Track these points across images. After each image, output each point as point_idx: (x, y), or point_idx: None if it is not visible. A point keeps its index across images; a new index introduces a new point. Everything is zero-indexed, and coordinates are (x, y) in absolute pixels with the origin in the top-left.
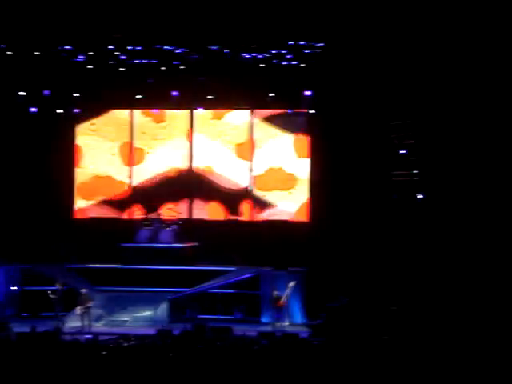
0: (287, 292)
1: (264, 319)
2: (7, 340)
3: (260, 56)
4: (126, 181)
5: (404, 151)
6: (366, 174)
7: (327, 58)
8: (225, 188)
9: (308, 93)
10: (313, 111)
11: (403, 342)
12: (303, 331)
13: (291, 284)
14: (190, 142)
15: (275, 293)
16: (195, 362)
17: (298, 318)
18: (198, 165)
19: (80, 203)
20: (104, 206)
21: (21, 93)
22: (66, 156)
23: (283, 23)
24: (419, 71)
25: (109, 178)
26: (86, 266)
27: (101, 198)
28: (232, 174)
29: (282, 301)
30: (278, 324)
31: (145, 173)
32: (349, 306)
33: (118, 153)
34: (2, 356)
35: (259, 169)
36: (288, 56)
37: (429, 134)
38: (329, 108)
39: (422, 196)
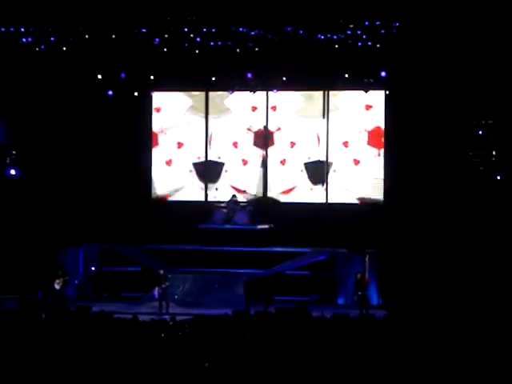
0: (366, 266)
1: (340, 301)
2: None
3: (335, 37)
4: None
5: (481, 132)
6: (443, 155)
7: (403, 38)
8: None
9: (383, 73)
10: (388, 91)
11: (477, 328)
12: (379, 312)
13: (366, 258)
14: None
15: (358, 274)
16: (272, 341)
17: (374, 299)
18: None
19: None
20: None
21: (98, 76)
22: (144, 139)
23: (358, 4)
24: (498, 51)
25: None
26: (164, 247)
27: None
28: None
29: (366, 276)
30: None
31: None
32: (422, 289)
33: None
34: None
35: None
36: (363, 36)
37: (508, 114)
38: (404, 88)
39: (499, 177)
